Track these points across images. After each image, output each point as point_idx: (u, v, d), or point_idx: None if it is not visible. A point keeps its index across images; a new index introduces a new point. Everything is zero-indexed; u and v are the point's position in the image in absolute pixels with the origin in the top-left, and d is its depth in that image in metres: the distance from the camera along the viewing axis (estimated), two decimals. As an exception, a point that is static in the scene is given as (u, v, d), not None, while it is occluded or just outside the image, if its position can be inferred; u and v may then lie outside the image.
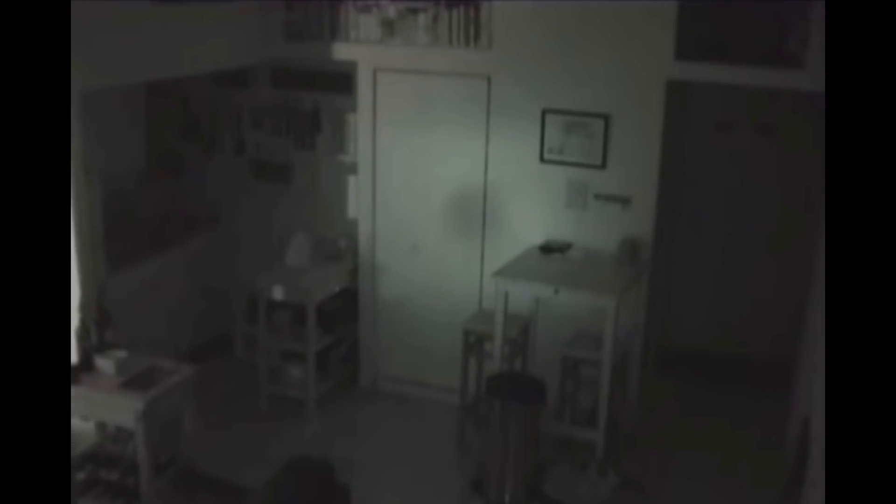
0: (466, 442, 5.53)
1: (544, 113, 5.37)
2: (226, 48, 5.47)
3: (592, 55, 5.22)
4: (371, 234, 6.02)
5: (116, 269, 5.33)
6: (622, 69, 5.16)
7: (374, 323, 6.16)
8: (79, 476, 4.32)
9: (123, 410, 4.11)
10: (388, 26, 5.60)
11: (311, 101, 6.14)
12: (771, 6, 4.75)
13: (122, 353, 4.34)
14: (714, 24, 4.90)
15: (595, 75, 5.24)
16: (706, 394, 6.16)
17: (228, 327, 6.56)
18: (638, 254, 5.26)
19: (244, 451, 5.26)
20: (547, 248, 5.40)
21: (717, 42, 4.90)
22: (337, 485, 4.00)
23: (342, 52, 5.75)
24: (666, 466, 5.29)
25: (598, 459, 4.95)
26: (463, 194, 5.73)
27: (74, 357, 4.24)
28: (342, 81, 5.97)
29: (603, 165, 5.32)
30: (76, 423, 4.18)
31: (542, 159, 5.44)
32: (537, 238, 5.52)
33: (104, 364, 4.29)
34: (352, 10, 5.66)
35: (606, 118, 5.24)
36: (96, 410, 4.19)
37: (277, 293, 5.69)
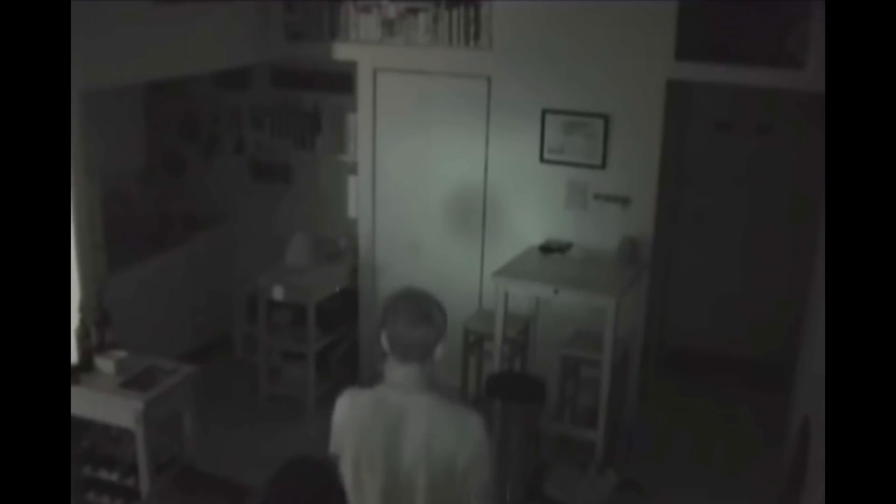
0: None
1: (544, 113, 5.37)
2: (226, 48, 5.47)
3: (592, 55, 5.22)
4: (371, 233, 6.02)
5: (116, 269, 5.33)
6: (622, 69, 5.16)
7: (374, 323, 6.16)
8: (79, 476, 4.32)
9: (123, 410, 4.11)
10: (388, 26, 5.60)
11: (311, 101, 6.13)
12: (771, 6, 4.75)
13: (122, 353, 4.34)
14: (714, 24, 4.89)
15: (595, 75, 5.24)
16: (706, 394, 6.16)
17: (228, 327, 6.56)
18: (638, 254, 5.26)
19: (244, 451, 5.26)
20: (547, 248, 5.40)
21: (717, 42, 4.89)
22: (337, 484, 4.00)
23: (342, 52, 5.75)
24: (665, 466, 5.28)
25: (598, 459, 4.95)
26: (463, 194, 5.73)
27: (74, 357, 4.23)
28: (342, 81, 5.97)
29: (603, 165, 5.32)
30: (76, 423, 4.17)
31: (542, 159, 5.44)
32: (537, 238, 5.52)
33: (104, 364, 4.28)
34: (352, 10, 5.67)
35: (606, 118, 5.24)
36: (96, 410, 4.19)
37: (277, 293, 5.69)
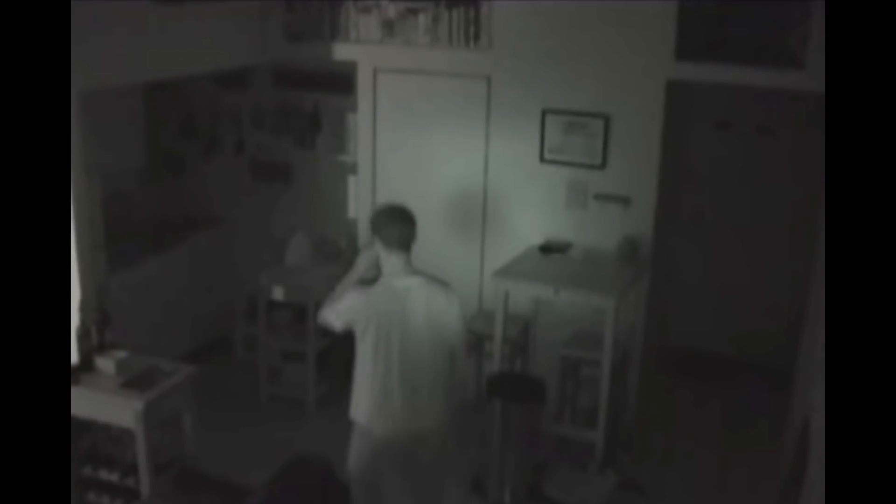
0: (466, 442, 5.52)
1: (544, 113, 5.37)
2: (226, 48, 5.47)
3: (592, 55, 5.22)
4: (371, 234, 6.01)
5: (116, 269, 5.33)
6: (622, 69, 5.16)
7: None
8: (79, 476, 4.32)
9: (123, 411, 4.11)
10: (388, 26, 5.60)
11: (311, 101, 6.14)
12: (771, 6, 4.76)
13: (122, 354, 4.34)
14: (714, 24, 4.90)
15: (595, 75, 5.24)
16: (706, 394, 6.16)
17: (228, 327, 6.56)
18: (638, 254, 5.26)
19: (244, 451, 5.26)
20: (547, 248, 5.39)
21: (717, 42, 4.90)
22: (337, 484, 4.00)
23: (342, 52, 5.75)
24: (665, 466, 5.28)
25: (598, 459, 4.95)
26: (463, 194, 5.73)
27: (74, 357, 4.24)
28: (342, 81, 5.97)
29: (603, 165, 5.32)
30: (76, 423, 4.17)
31: (542, 159, 5.44)
32: (537, 238, 5.52)
33: (104, 364, 4.28)
34: (352, 10, 5.67)
35: (606, 118, 5.24)
36: (96, 410, 4.19)
37: (277, 293, 5.69)
